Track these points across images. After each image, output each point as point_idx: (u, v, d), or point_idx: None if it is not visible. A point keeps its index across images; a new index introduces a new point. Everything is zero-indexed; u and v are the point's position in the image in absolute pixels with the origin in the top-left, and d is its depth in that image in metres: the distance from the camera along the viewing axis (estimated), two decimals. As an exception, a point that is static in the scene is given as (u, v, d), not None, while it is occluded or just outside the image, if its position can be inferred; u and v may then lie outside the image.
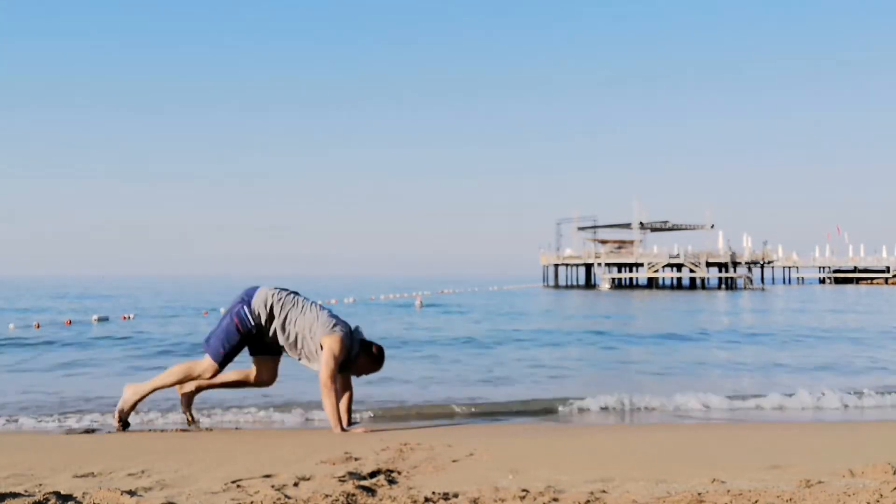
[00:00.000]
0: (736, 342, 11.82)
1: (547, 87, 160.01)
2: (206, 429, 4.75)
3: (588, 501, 2.72)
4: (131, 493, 2.86)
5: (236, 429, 4.83)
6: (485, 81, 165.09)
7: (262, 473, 3.20)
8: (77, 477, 3.16)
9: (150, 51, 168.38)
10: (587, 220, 53.01)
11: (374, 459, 3.52)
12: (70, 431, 4.67)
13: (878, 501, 2.64)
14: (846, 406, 5.91)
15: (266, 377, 4.65)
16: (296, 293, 4.67)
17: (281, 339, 4.51)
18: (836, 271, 65.12)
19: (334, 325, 4.49)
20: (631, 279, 52.09)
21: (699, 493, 2.81)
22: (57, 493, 2.78)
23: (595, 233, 53.59)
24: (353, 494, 2.80)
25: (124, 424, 4.59)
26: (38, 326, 14.37)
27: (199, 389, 4.70)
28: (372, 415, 5.31)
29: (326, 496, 2.77)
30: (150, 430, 4.67)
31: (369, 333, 4.98)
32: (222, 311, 20.12)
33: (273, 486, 2.94)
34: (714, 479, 3.05)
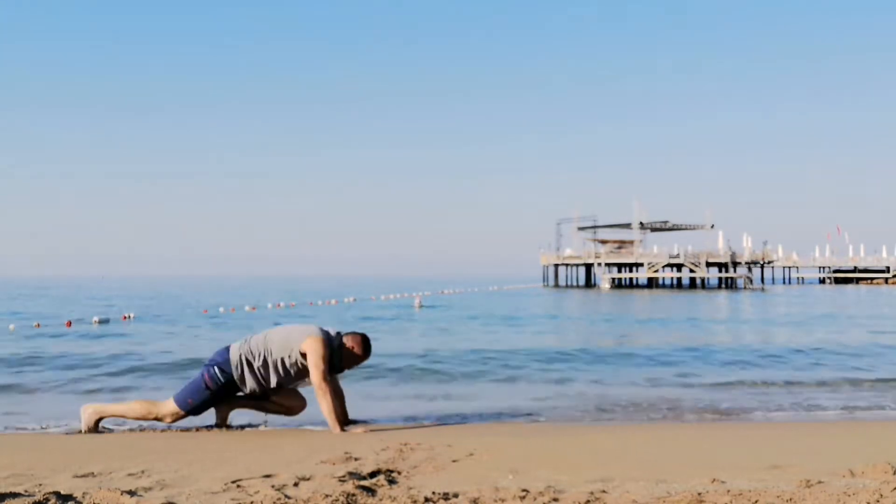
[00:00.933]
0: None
1: (547, 87, 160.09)
2: (204, 428, 4.75)
3: (588, 501, 2.72)
4: (131, 493, 2.86)
5: (240, 428, 4.82)
6: (485, 81, 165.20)
7: (262, 473, 3.20)
8: (77, 477, 3.16)
9: (151, 50, 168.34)
10: (587, 220, 53.02)
11: (374, 459, 3.52)
12: (70, 431, 4.67)
13: (878, 501, 2.64)
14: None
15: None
16: (248, 339, 4.68)
17: (273, 380, 4.56)
18: (836, 271, 65.09)
19: (307, 329, 4.57)
20: (631, 279, 52.07)
21: (699, 493, 2.81)
22: (57, 493, 2.78)
23: (595, 233, 53.57)
24: (353, 494, 2.80)
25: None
26: (38, 326, 14.38)
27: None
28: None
29: (326, 496, 2.77)
30: (150, 430, 4.67)
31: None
32: (221, 310, 20.14)
33: (273, 486, 2.94)
34: (714, 479, 3.05)
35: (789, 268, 68.47)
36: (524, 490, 2.87)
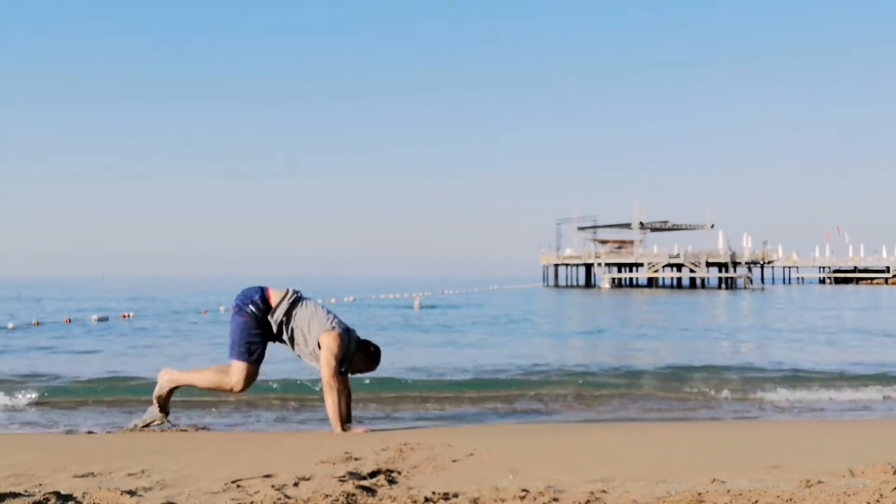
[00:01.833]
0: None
1: (547, 87, 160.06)
2: (203, 428, 4.75)
3: (588, 501, 2.72)
4: (131, 493, 2.86)
5: (240, 428, 4.83)
6: (485, 81, 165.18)
7: (262, 473, 3.20)
8: (77, 477, 3.16)
9: (150, 49, 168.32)
10: (587, 220, 53.09)
11: (374, 459, 3.52)
12: (70, 431, 4.67)
13: (878, 501, 2.64)
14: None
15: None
16: (297, 292, 4.66)
17: (284, 335, 4.52)
18: (836, 271, 65.14)
19: (331, 323, 4.50)
20: (631, 279, 52.10)
21: (699, 493, 2.81)
22: (57, 493, 2.78)
23: (595, 233, 53.62)
24: (353, 494, 2.80)
25: (165, 412, 4.60)
26: (37, 324, 14.38)
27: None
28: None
29: (326, 496, 2.77)
30: (149, 430, 4.67)
31: (365, 336, 4.98)
32: (222, 309, 20.16)
33: (273, 486, 2.94)
34: (714, 479, 3.05)
35: (789, 268, 68.53)
36: (524, 490, 2.87)
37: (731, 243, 50.86)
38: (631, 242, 51.92)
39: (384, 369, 5.27)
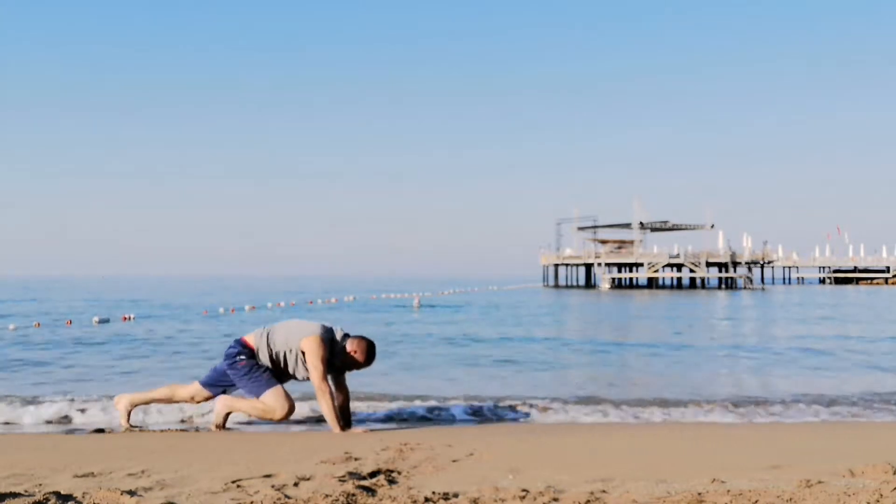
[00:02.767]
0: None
1: (547, 87, 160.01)
2: (206, 428, 4.76)
3: (588, 501, 2.72)
4: (131, 493, 2.86)
5: (240, 428, 4.83)
6: (485, 82, 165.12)
7: (262, 473, 3.20)
8: (77, 477, 3.16)
9: (151, 50, 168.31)
10: (587, 220, 53.04)
11: (374, 459, 3.52)
12: (70, 431, 4.67)
13: (878, 501, 2.64)
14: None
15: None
16: (267, 325, 4.76)
17: (279, 365, 4.60)
18: (836, 271, 65.11)
19: (308, 328, 4.57)
20: (631, 279, 52.06)
21: (699, 493, 2.81)
22: (57, 493, 2.78)
23: (595, 233, 53.58)
24: (353, 494, 2.80)
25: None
26: (38, 325, 14.38)
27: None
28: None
29: (326, 496, 2.77)
30: (150, 430, 4.67)
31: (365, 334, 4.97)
32: (221, 310, 20.13)
33: (273, 486, 2.94)
34: (714, 479, 3.05)
35: (789, 268, 68.51)
36: (524, 490, 2.86)
37: (731, 243, 50.87)
38: (631, 242, 51.88)
39: (385, 369, 5.26)
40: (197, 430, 4.66)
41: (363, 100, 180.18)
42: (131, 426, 4.72)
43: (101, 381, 6.97)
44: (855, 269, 64.13)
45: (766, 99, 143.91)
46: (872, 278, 61.67)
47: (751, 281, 50.55)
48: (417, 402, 5.74)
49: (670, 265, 50.40)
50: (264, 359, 4.59)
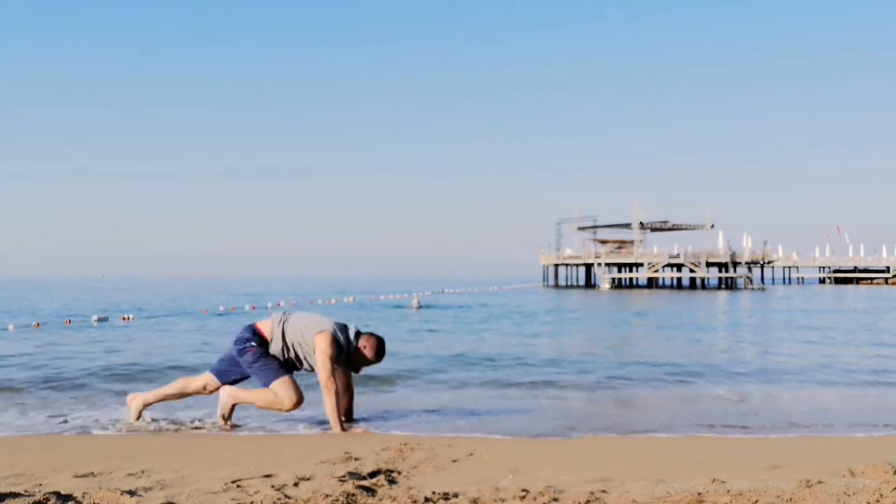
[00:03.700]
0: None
1: (547, 87, 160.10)
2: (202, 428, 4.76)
3: (588, 501, 2.72)
4: (131, 493, 2.86)
5: (240, 428, 4.83)
6: (485, 81, 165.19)
7: (262, 473, 3.20)
8: (77, 477, 3.16)
9: (151, 50, 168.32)
10: (587, 219, 53.01)
11: (374, 459, 3.52)
12: (70, 432, 4.66)
13: (878, 501, 2.64)
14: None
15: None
16: (284, 313, 4.77)
17: (290, 356, 4.59)
18: (836, 271, 65.10)
19: (322, 324, 4.56)
20: (631, 279, 52.06)
21: (699, 493, 2.81)
22: (57, 493, 2.78)
23: (595, 233, 53.56)
24: (353, 494, 2.80)
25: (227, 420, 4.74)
26: (37, 325, 14.38)
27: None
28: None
29: (326, 496, 2.77)
30: (150, 431, 4.67)
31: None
32: (221, 309, 20.12)
33: (273, 486, 2.94)
34: (714, 479, 3.05)
35: (789, 268, 68.48)
36: (524, 490, 2.87)
37: (731, 243, 50.82)
38: (631, 242, 51.86)
39: (384, 369, 5.26)
40: (197, 430, 4.66)
41: (363, 99, 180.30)
42: (144, 420, 4.72)
43: (100, 381, 6.97)
44: (855, 269, 64.12)
45: (766, 99, 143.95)
46: (872, 278, 61.66)
47: (751, 281, 50.54)
48: (417, 402, 5.74)
49: (670, 265, 50.38)
50: (276, 348, 4.57)
